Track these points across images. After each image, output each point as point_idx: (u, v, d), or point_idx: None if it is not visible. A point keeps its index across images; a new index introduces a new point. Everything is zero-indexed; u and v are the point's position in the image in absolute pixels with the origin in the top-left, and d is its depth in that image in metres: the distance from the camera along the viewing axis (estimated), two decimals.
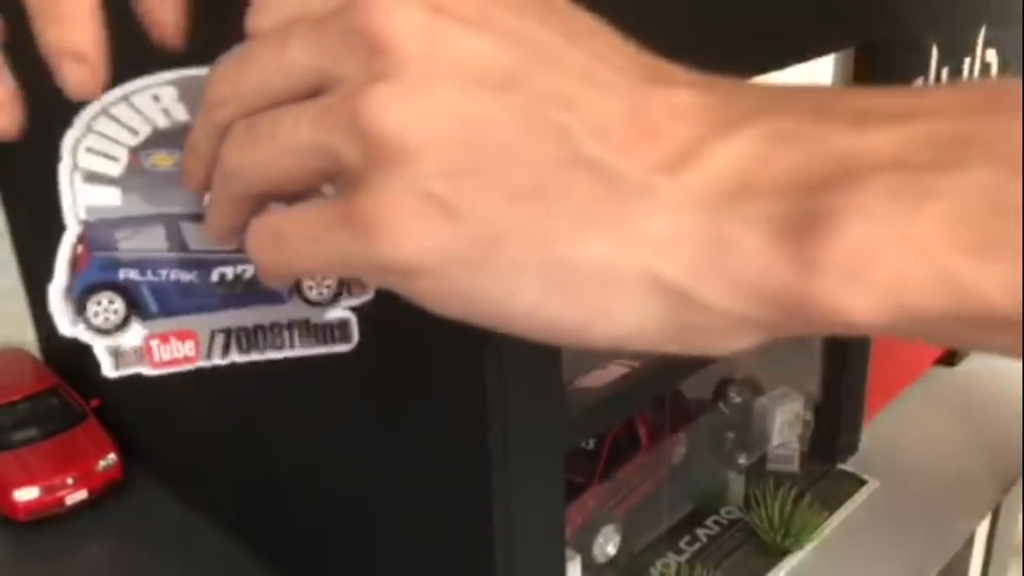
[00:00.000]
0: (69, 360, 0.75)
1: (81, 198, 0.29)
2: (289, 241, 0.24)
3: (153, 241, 0.29)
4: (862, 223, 0.19)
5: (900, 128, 0.20)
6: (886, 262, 0.19)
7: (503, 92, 0.21)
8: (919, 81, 0.61)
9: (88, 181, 0.29)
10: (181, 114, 0.29)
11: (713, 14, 0.46)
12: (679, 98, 0.22)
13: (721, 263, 0.20)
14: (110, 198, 0.29)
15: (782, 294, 0.20)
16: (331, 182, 0.24)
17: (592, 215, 0.21)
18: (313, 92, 0.23)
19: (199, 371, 0.62)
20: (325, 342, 0.31)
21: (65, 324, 0.29)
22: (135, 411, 0.70)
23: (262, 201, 0.25)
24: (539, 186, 0.21)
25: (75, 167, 0.29)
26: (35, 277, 0.76)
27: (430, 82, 0.21)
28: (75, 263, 0.29)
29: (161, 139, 0.30)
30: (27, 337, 0.78)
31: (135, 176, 0.30)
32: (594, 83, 0.21)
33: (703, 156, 0.21)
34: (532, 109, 0.21)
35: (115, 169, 0.29)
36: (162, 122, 0.29)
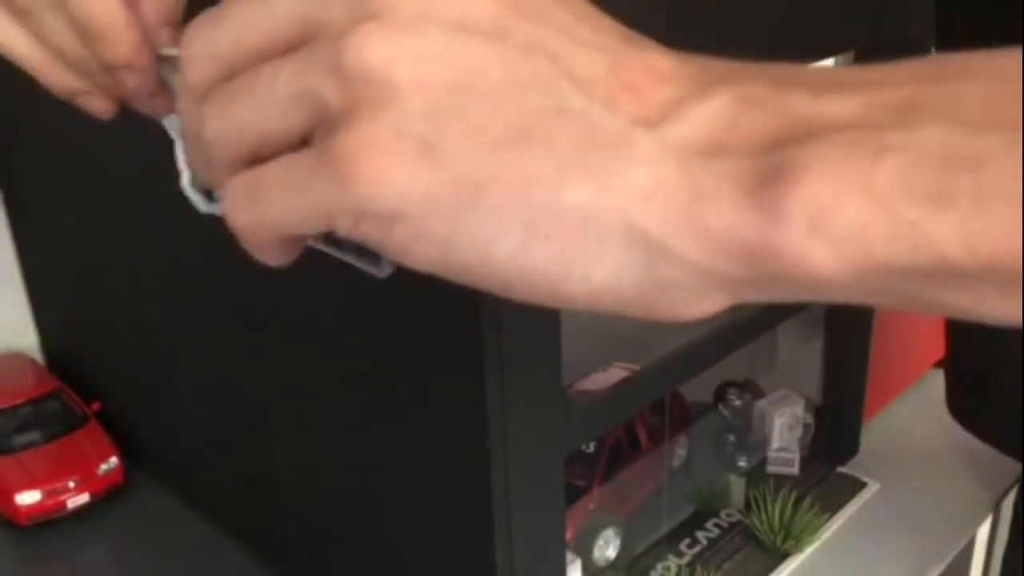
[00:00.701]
0: (70, 364, 0.75)
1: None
2: (266, 193, 0.23)
3: None
4: (822, 174, 0.20)
5: (856, 95, 0.21)
6: (845, 211, 0.19)
7: (490, 40, 0.21)
8: None
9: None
10: None
11: (712, 19, 0.46)
12: (658, 61, 0.22)
13: (694, 215, 0.21)
14: None
15: (749, 245, 0.21)
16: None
17: (575, 162, 0.21)
18: (295, 45, 0.23)
19: (200, 375, 0.62)
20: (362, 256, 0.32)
21: (203, 207, 0.31)
22: (136, 415, 0.70)
23: (248, 166, 0.25)
24: (524, 132, 0.21)
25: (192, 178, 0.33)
26: (37, 282, 0.76)
27: (418, 24, 0.21)
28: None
29: None
30: (29, 341, 0.78)
31: None
32: (578, 40, 0.22)
33: (681, 115, 0.21)
34: (518, 58, 0.21)
35: None
36: None
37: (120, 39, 0.30)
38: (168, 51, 0.32)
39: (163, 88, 0.34)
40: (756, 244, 0.20)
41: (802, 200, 0.20)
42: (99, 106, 0.34)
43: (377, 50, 0.21)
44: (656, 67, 0.22)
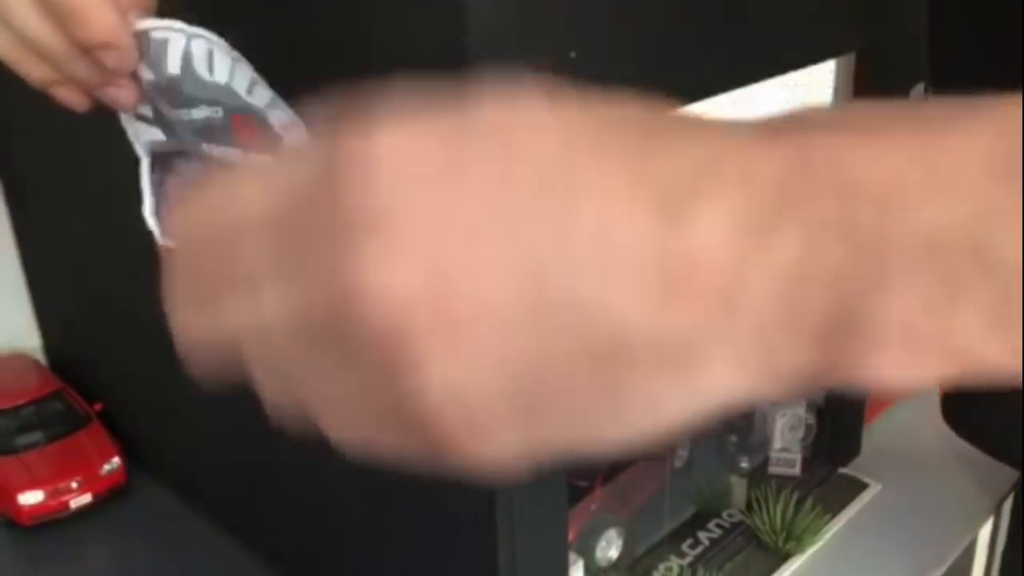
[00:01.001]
0: (72, 365, 0.75)
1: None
2: (339, 418, 0.25)
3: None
4: (900, 345, 0.20)
5: (927, 208, 0.19)
6: (923, 369, 0.20)
7: (534, 324, 0.20)
8: (919, 87, 0.61)
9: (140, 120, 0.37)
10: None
11: (714, 20, 0.46)
12: (700, 233, 0.20)
13: (776, 382, 0.21)
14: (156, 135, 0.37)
15: (826, 386, 0.21)
16: None
17: (656, 386, 0.21)
18: (274, 271, 0.21)
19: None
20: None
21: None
22: (138, 415, 0.70)
23: None
24: (605, 387, 0.21)
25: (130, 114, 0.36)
26: (40, 283, 0.76)
27: (457, 352, 0.20)
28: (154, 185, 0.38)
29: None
30: (32, 342, 0.78)
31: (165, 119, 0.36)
32: (611, 253, 0.20)
33: (741, 297, 0.20)
34: (568, 330, 0.20)
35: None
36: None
37: (95, 19, 0.30)
38: (142, 24, 0.32)
39: (134, 78, 0.33)
40: (836, 388, 0.21)
41: (880, 367, 0.20)
42: (73, 99, 0.34)
43: (443, 406, 0.20)
44: (699, 244, 0.20)
